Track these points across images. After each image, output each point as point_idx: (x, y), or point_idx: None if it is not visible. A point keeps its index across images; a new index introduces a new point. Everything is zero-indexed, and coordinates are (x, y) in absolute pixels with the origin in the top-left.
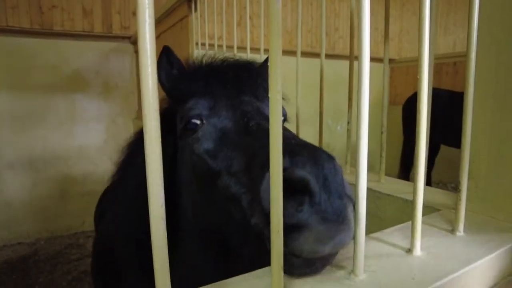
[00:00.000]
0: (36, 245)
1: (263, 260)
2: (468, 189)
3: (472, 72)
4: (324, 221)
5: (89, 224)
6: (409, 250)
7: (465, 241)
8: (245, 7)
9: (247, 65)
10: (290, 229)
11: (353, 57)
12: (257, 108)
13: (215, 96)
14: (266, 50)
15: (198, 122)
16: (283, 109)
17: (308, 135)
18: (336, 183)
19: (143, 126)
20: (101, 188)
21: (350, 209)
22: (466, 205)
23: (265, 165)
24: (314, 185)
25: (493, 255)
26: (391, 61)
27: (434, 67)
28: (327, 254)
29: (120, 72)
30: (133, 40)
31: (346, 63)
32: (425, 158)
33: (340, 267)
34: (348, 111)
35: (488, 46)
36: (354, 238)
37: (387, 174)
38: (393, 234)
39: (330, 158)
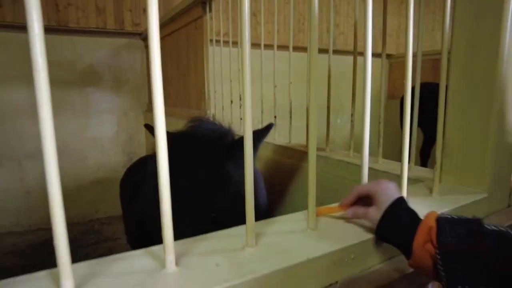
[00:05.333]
0: None
1: None
2: (445, 165)
3: (444, 69)
4: None
5: (103, 212)
6: None
7: (438, 200)
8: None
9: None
10: None
11: (356, 52)
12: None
13: None
14: (276, 47)
15: None
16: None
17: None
18: None
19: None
20: (114, 176)
21: None
22: (443, 177)
23: None
24: None
25: (456, 207)
26: (389, 56)
27: (432, 62)
28: None
29: (131, 67)
30: (144, 37)
31: (345, 58)
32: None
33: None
34: (352, 104)
35: (462, 46)
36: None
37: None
38: None
39: None
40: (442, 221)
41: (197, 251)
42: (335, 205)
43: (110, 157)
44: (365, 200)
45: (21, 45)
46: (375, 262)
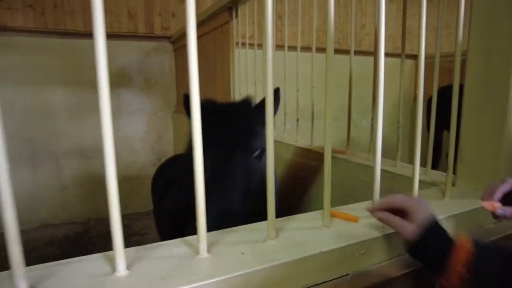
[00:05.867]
0: (87, 224)
1: None
2: (460, 169)
3: (457, 75)
4: None
5: (131, 208)
6: None
7: (450, 203)
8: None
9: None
10: None
11: (377, 54)
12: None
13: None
14: (299, 48)
15: None
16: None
17: (335, 129)
18: None
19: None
20: (143, 174)
21: None
22: (458, 181)
23: None
24: None
25: (466, 210)
26: (414, 57)
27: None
28: None
29: (160, 69)
30: (172, 40)
31: (371, 59)
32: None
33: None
34: (373, 108)
35: (478, 51)
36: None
37: (409, 162)
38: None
39: None
40: (480, 248)
41: (225, 241)
42: (353, 206)
43: (140, 156)
44: (394, 211)
45: (61, 50)
46: (384, 258)
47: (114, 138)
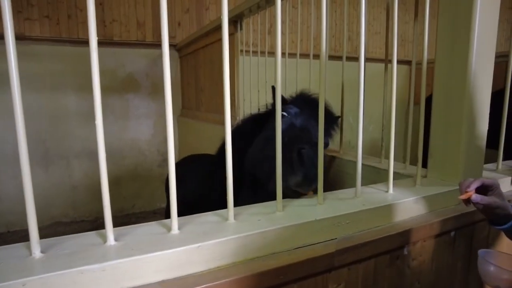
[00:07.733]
0: (96, 222)
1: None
2: (430, 163)
3: (424, 83)
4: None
5: (138, 207)
6: (387, 191)
7: (419, 189)
8: (274, 16)
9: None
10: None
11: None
12: (314, 125)
13: (300, 109)
14: (290, 54)
15: (286, 114)
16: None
17: None
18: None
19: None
20: (149, 175)
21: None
22: (429, 173)
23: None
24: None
25: (431, 194)
26: (408, 63)
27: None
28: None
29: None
30: (178, 48)
31: (368, 65)
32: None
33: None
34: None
35: (442, 62)
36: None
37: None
38: (383, 185)
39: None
40: None
41: (246, 213)
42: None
43: (146, 157)
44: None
45: (74, 57)
46: (364, 227)
47: (123, 139)
